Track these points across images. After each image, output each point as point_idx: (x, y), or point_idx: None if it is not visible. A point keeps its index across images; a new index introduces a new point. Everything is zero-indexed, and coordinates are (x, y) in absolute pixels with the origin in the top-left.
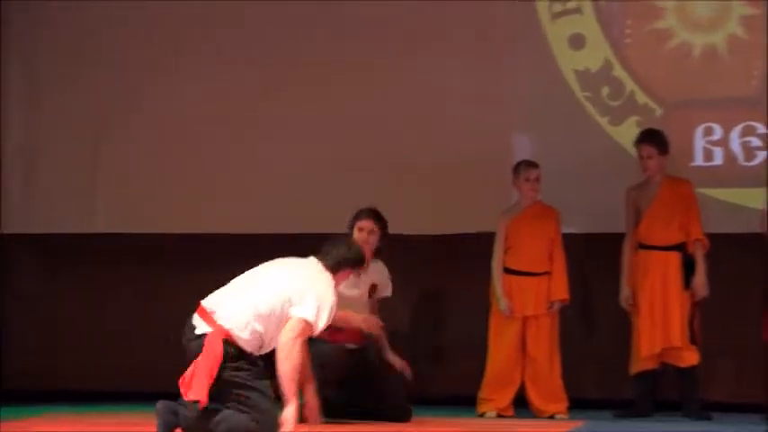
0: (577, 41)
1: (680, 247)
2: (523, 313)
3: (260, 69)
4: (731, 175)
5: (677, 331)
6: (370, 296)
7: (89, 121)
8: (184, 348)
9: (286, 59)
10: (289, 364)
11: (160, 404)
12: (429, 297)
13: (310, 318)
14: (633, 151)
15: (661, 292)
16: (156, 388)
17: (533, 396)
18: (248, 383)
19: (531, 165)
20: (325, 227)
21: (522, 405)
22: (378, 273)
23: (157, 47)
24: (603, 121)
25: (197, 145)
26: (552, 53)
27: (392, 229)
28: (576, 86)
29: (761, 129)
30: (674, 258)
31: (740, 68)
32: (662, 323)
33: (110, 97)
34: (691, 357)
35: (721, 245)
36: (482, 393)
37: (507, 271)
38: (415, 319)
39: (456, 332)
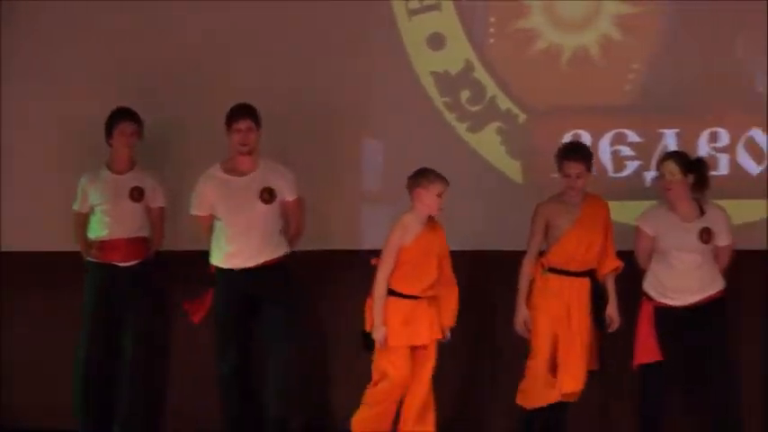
0: (436, 41)
1: (591, 274)
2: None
3: None
4: (600, 187)
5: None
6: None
7: None
8: None
9: None
10: None
11: None
12: None
13: None
14: (493, 160)
15: (575, 322)
16: None
17: None
18: None
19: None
20: None
21: None
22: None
23: None
24: (462, 128)
25: None
26: (408, 54)
27: None
28: (433, 90)
29: (632, 137)
30: (587, 286)
31: (613, 72)
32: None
33: None
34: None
35: None
36: None
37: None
38: None
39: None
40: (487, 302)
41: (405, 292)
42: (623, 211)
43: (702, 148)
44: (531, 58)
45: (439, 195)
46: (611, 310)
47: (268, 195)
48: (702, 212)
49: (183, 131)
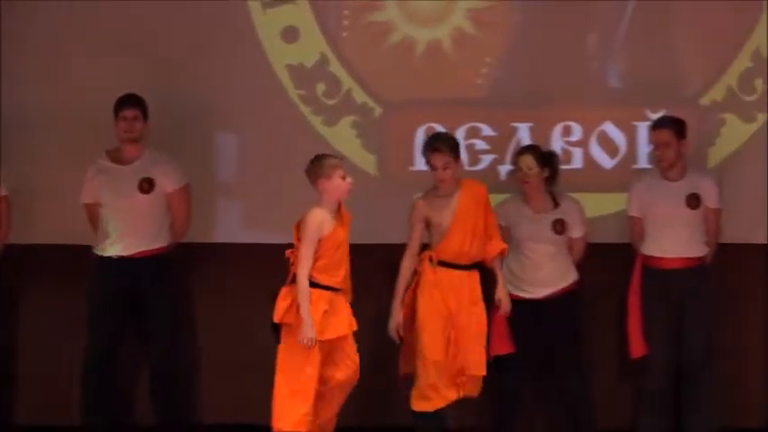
0: (290, 34)
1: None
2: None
3: None
4: None
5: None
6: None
7: None
8: None
9: None
10: None
11: None
12: None
13: None
14: (348, 153)
15: (465, 315)
16: None
17: None
18: None
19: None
20: None
21: None
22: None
23: None
24: (317, 121)
25: None
26: (263, 46)
27: None
28: (288, 83)
29: (486, 130)
30: (477, 278)
31: (466, 66)
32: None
33: None
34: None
35: None
36: None
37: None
38: None
39: None
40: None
41: (325, 283)
42: None
43: (556, 142)
44: (386, 51)
45: (343, 177)
46: (500, 293)
47: (147, 185)
48: (557, 204)
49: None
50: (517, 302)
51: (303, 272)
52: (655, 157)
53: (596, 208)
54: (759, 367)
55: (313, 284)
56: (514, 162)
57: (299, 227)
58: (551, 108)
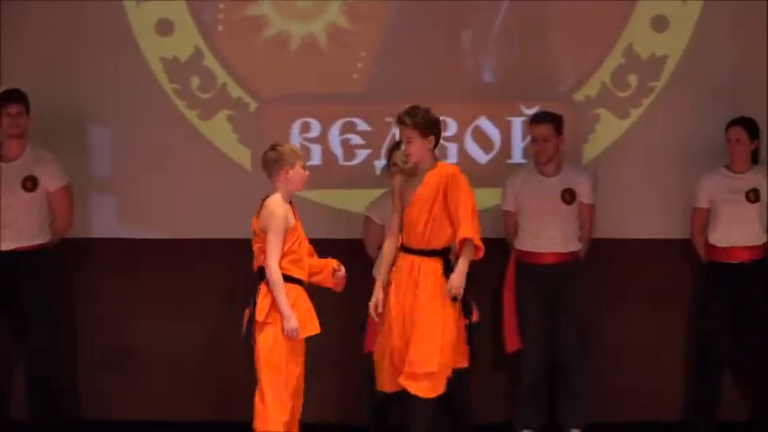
0: (165, 27)
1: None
2: None
3: None
4: (330, 175)
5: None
6: None
7: None
8: None
9: None
10: None
11: None
12: None
13: None
14: (224, 147)
15: (421, 305)
16: None
17: None
18: None
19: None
20: None
21: None
22: None
23: None
24: (192, 115)
25: None
26: (136, 39)
27: None
28: (162, 76)
29: (361, 125)
30: (435, 267)
31: (341, 61)
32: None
33: None
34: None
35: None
36: None
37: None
38: None
39: None
40: (225, 288)
41: (297, 276)
42: (353, 200)
43: None
44: (261, 45)
45: (303, 167)
46: (453, 278)
47: (31, 184)
48: None
49: None
50: None
51: (274, 263)
52: (533, 152)
53: None
54: (639, 362)
55: (287, 278)
56: (389, 157)
57: (258, 218)
58: (426, 103)
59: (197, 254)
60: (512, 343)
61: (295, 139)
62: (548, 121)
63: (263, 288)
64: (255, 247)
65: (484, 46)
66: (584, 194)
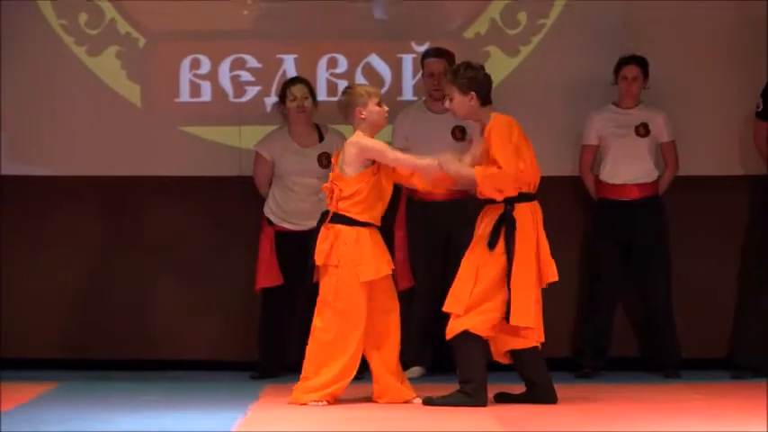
0: None
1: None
2: None
3: None
4: (220, 111)
5: None
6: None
7: None
8: None
9: None
10: None
11: None
12: None
13: None
14: (113, 84)
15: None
16: None
17: None
18: None
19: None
20: None
21: None
22: None
23: None
24: (81, 51)
25: None
26: None
27: None
28: (50, 12)
29: (251, 62)
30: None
31: None
32: None
33: None
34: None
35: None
36: None
37: None
38: None
39: None
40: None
41: (366, 220)
42: (244, 137)
43: (321, 74)
44: None
45: (379, 104)
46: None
47: None
48: (321, 138)
49: None
50: (283, 234)
51: (392, 154)
52: (428, 87)
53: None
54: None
55: (355, 222)
56: (282, 94)
57: (339, 156)
58: (317, 40)
59: (86, 191)
60: (404, 281)
61: (185, 75)
62: (444, 56)
63: (322, 232)
64: (324, 186)
65: None
66: (474, 131)
